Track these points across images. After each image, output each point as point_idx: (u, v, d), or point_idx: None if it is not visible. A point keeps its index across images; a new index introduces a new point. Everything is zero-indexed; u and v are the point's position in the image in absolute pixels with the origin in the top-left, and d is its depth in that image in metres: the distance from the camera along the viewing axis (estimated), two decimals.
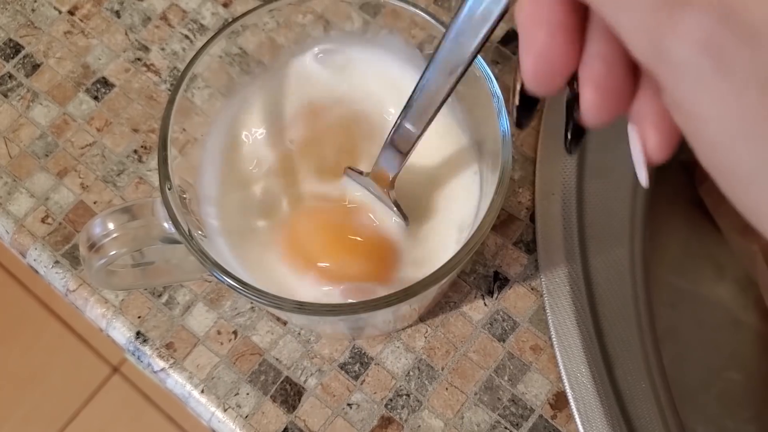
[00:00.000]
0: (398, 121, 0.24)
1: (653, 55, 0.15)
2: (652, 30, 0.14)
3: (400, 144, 0.24)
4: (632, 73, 0.17)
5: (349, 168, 0.27)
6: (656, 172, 0.35)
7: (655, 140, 0.17)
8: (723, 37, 0.13)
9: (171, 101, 0.24)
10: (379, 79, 0.29)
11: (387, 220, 0.27)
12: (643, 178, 0.18)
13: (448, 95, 0.22)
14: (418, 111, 0.23)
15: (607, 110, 0.17)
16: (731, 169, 0.15)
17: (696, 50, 0.14)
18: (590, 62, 0.17)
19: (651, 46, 0.14)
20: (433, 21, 0.26)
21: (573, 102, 0.18)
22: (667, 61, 0.14)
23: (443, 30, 0.26)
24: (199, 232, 0.24)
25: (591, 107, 0.17)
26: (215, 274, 0.23)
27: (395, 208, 0.26)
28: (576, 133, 0.20)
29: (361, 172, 0.26)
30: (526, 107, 0.20)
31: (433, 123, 0.28)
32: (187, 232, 0.23)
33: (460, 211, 0.27)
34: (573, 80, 0.17)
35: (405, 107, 0.23)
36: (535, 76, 0.17)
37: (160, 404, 0.92)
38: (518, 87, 0.19)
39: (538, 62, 0.17)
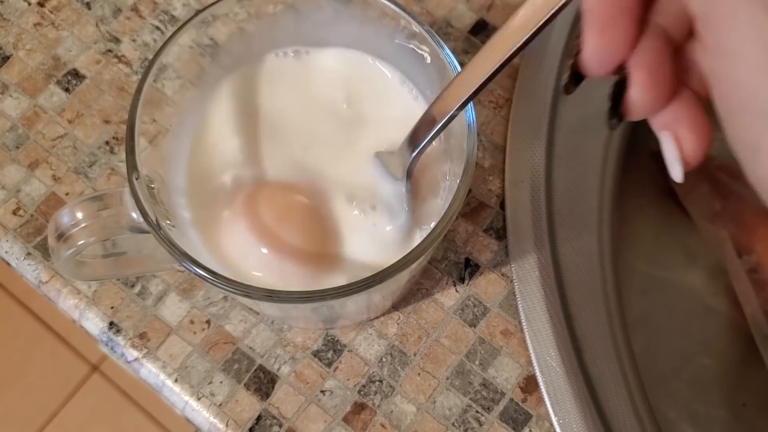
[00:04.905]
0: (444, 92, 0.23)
1: None
2: None
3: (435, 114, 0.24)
4: (676, 77, 0.19)
5: (380, 152, 0.27)
6: (626, 161, 0.36)
7: (692, 141, 0.20)
8: None
9: (138, 91, 0.24)
10: (348, 75, 0.29)
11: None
12: (679, 173, 0.20)
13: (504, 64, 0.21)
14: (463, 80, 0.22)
15: (654, 91, 0.19)
16: (746, 103, 0.17)
17: None
18: (644, 52, 0.19)
19: None
20: (400, 11, 0.26)
21: (620, 87, 0.20)
22: None
23: (411, 20, 0.26)
24: (168, 222, 0.25)
25: (641, 85, 0.19)
26: (184, 264, 0.23)
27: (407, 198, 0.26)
28: (616, 100, 0.21)
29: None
30: (574, 82, 0.22)
31: (399, 109, 0.29)
32: (155, 222, 0.23)
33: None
34: (620, 68, 0.20)
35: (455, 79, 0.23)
36: (593, 56, 0.19)
37: (140, 402, 0.92)
38: (570, 63, 0.21)
39: (599, 44, 0.19)
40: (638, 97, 0.19)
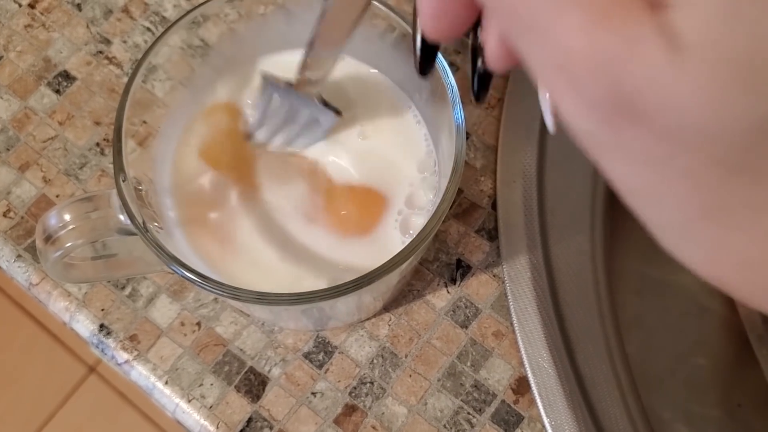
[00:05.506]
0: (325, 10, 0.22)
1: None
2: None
3: (329, 36, 0.23)
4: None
5: (267, 74, 0.26)
6: None
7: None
8: None
9: (126, 92, 0.24)
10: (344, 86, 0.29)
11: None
12: (550, 123, 0.18)
13: None
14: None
15: (514, 57, 0.16)
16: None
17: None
18: None
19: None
20: (390, 12, 0.26)
21: (478, 49, 0.17)
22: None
23: (401, 21, 0.26)
24: (155, 224, 0.24)
25: (496, 55, 0.16)
26: (171, 266, 0.23)
27: (323, 105, 0.26)
28: (482, 80, 0.19)
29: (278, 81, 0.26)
30: (427, 55, 0.19)
31: (390, 118, 0.29)
32: (142, 224, 0.23)
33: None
34: (476, 26, 0.17)
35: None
36: (432, 19, 0.15)
37: (137, 403, 0.91)
38: (418, 34, 0.18)
39: (435, 5, 0.15)
40: (496, 61, 0.16)
